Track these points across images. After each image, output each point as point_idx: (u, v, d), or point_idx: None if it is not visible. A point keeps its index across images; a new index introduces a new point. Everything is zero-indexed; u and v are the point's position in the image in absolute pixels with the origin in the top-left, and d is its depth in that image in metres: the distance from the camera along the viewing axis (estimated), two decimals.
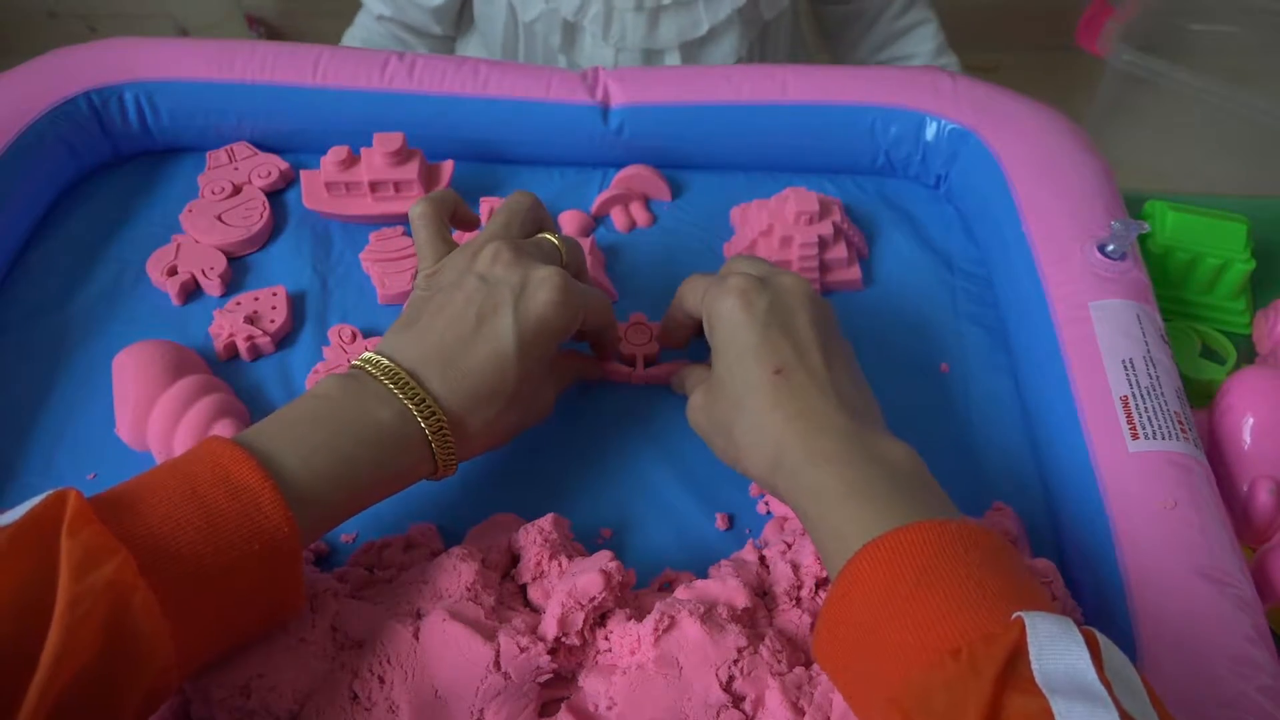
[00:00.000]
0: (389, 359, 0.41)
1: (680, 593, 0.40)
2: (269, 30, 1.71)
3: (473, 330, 0.42)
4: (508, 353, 0.42)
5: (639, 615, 0.39)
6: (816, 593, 0.41)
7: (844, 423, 0.40)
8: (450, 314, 0.42)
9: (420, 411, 0.40)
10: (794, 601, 0.41)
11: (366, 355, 0.42)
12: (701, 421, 0.45)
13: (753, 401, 0.41)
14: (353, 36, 0.89)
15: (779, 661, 0.38)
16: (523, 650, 0.37)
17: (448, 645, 0.38)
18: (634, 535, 0.47)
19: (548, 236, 0.47)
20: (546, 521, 0.43)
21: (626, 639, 0.38)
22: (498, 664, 0.37)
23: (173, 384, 0.48)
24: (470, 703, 0.37)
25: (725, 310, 0.43)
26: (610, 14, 0.77)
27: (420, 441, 0.40)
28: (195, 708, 0.38)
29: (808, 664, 0.39)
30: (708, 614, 0.38)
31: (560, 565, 0.42)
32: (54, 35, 1.70)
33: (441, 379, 0.41)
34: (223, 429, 0.47)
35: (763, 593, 0.42)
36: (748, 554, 0.44)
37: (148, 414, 0.47)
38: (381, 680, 0.38)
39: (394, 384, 0.40)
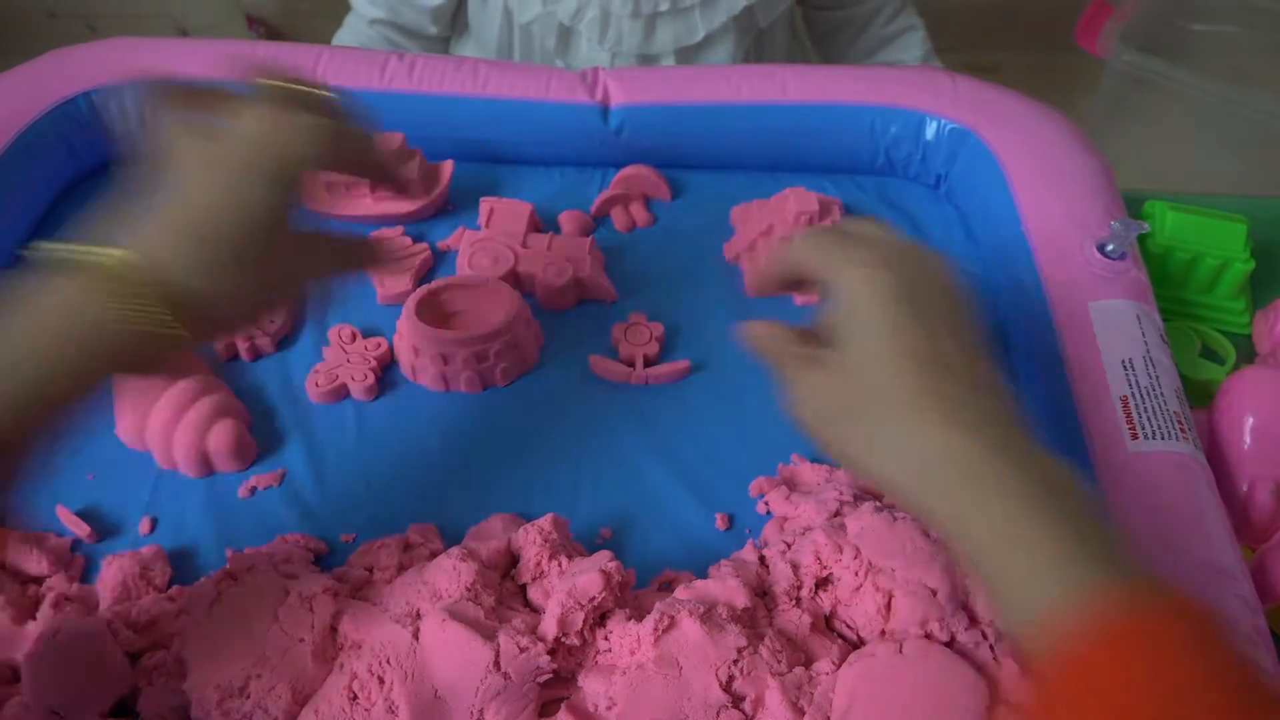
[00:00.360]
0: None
1: (680, 593, 0.40)
2: (269, 30, 1.71)
3: None
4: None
5: (639, 615, 0.39)
6: (816, 593, 0.41)
7: (1015, 440, 0.34)
8: None
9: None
10: (794, 601, 0.41)
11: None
12: (817, 411, 0.38)
13: (904, 402, 0.35)
14: (342, 40, 0.88)
15: (779, 661, 0.38)
16: (522, 650, 0.37)
17: (447, 646, 0.38)
18: (634, 535, 0.47)
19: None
20: (546, 522, 0.43)
21: (626, 639, 0.38)
22: (497, 664, 0.37)
23: (172, 384, 0.48)
24: (470, 703, 0.37)
25: (867, 288, 0.37)
26: (607, 19, 0.77)
27: None
28: (194, 710, 0.38)
29: (807, 664, 0.39)
30: (708, 614, 0.38)
31: (560, 565, 0.42)
32: (54, 35, 1.70)
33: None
34: (222, 429, 0.47)
35: (763, 593, 0.42)
36: (748, 554, 0.44)
37: (147, 414, 0.48)
38: (381, 681, 0.38)
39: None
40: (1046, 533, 0.32)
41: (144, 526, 0.46)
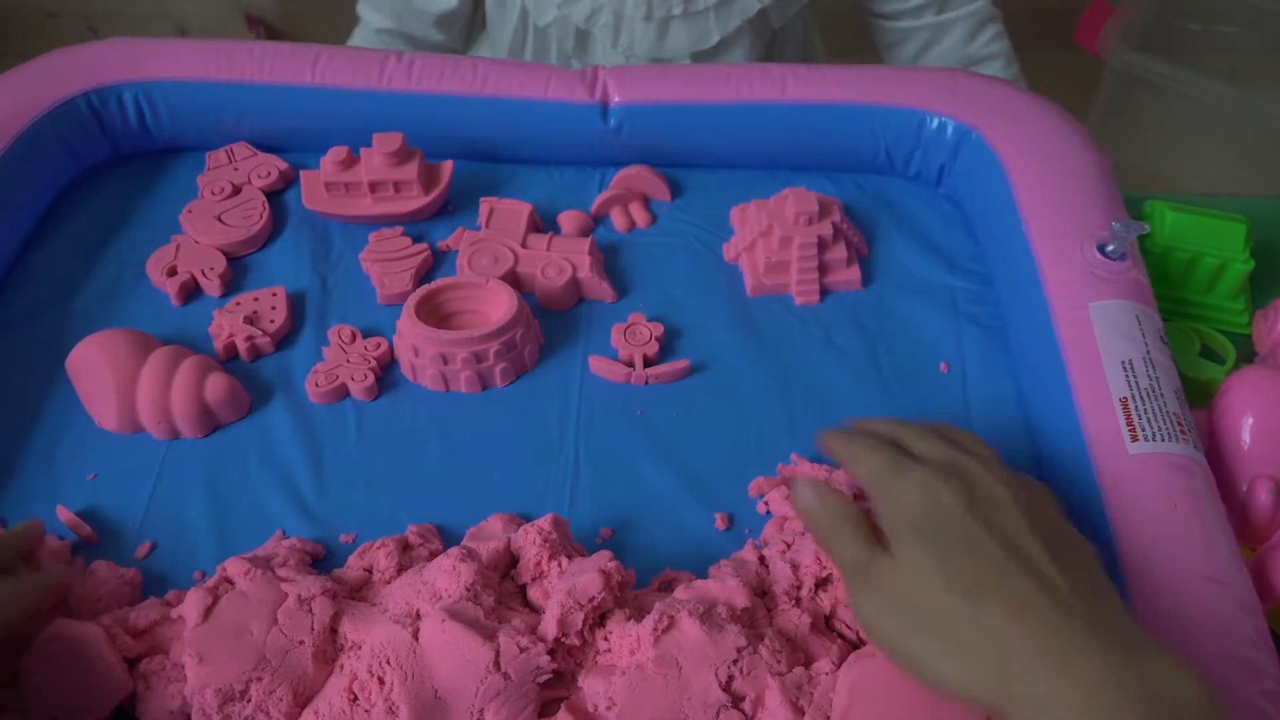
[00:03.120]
0: None
1: (680, 592, 0.40)
2: (269, 31, 1.71)
3: None
4: None
5: (638, 615, 0.39)
6: (816, 593, 0.41)
7: (1106, 642, 0.32)
8: None
9: None
10: (794, 601, 0.41)
11: None
12: (884, 615, 0.35)
13: (973, 601, 0.33)
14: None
15: (778, 661, 0.38)
16: (522, 650, 0.37)
17: (447, 646, 0.38)
18: (634, 535, 0.47)
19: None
20: (546, 522, 0.43)
21: (626, 639, 0.38)
22: (497, 664, 0.37)
23: (145, 358, 0.49)
24: (470, 703, 0.37)
25: (913, 498, 0.36)
26: (619, 23, 0.77)
27: None
28: (195, 715, 0.38)
29: (807, 664, 0.39)
30: (707, 614, 0.38)
31: (560, 565, 0.42)
32: (54, 35, 1.70)
33: None
34: (215, 380, 0.49)
35: (762, 593, 0.42)
36: (747, 554, 0.44)
37: (133, 392, 0.48)
38: (381, 681, 0.38)
39: None
40: None
41: (143, 527, 0.46)
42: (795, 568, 0.41)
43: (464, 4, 0.83)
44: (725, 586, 0.40)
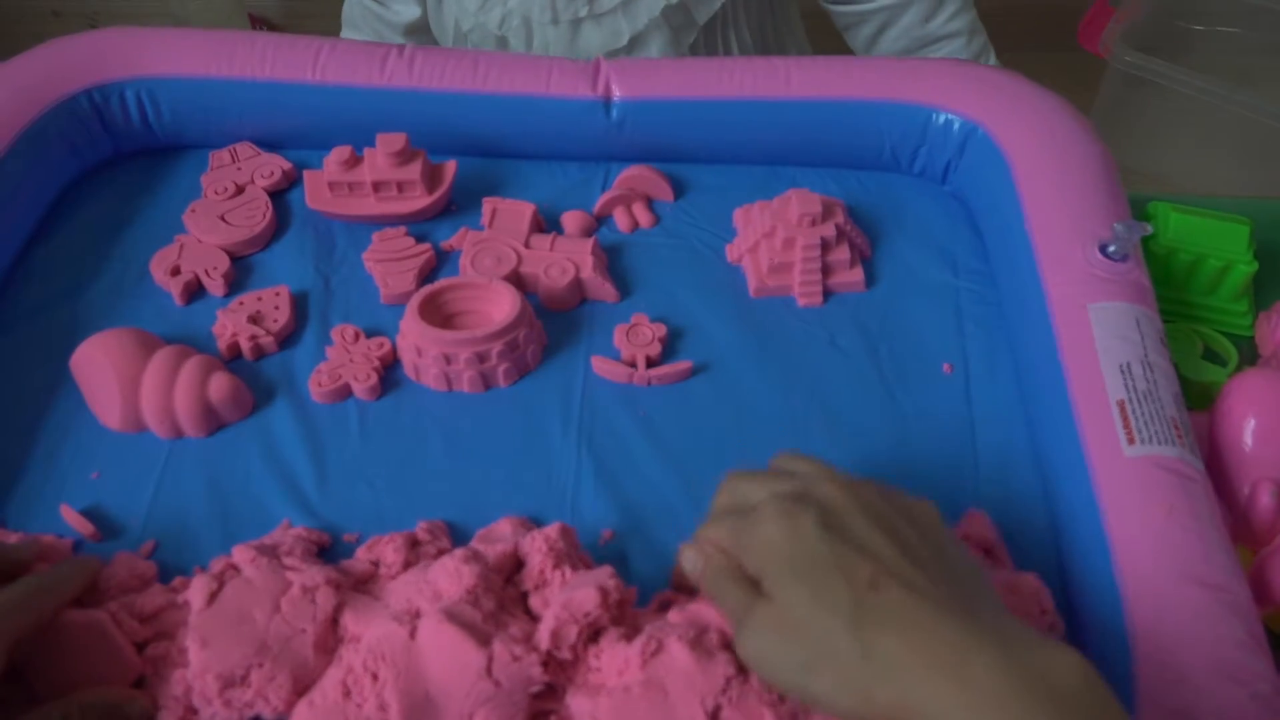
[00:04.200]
0: None
1: (672, 615, 0.39)
2: (271, 29, 1.71)
3: None
4: None
5: (634, 635, 0.38)
6: None
7: (985, 638, 0.32)
8: None
9: None
10: None
11: None
12: (768, 655, 0.35)
13: (847, 623, 0.33)
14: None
15: (770, 690, 0.37)
16: (515, 659, 0.37)
17: (442, 647, 0.37)
18: (635, 536, 0.47)
19: None
20: (553, 530, 0.43)
21: (615, 659, 0.38)
22: (490, 670, 0.37)
23: (149, 358, 0.49)
24: (460, 706, 0.37)
25: (772, 535, 0.36)
26: (529, 27, 0.77)
27: None
28: (195, 699, 0.38)
29: None
30: (697, 639, 0.37)
31: (563, 575, 0.41)
32: (59, 34, 1.70)
33: None
34: (219, 380, 0.49)
35: None
36: None
37: (137, 391, 0.48)
38: (374, 677, 0.37)
39: None
40: None
41: (147, 526, 0.46)
42: None
43: (424, 12, 0.86)
44: (719, 611, 0.39)
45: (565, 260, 0.55)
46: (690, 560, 0.39)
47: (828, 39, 0.95)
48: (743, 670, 0.37)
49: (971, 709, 0.31)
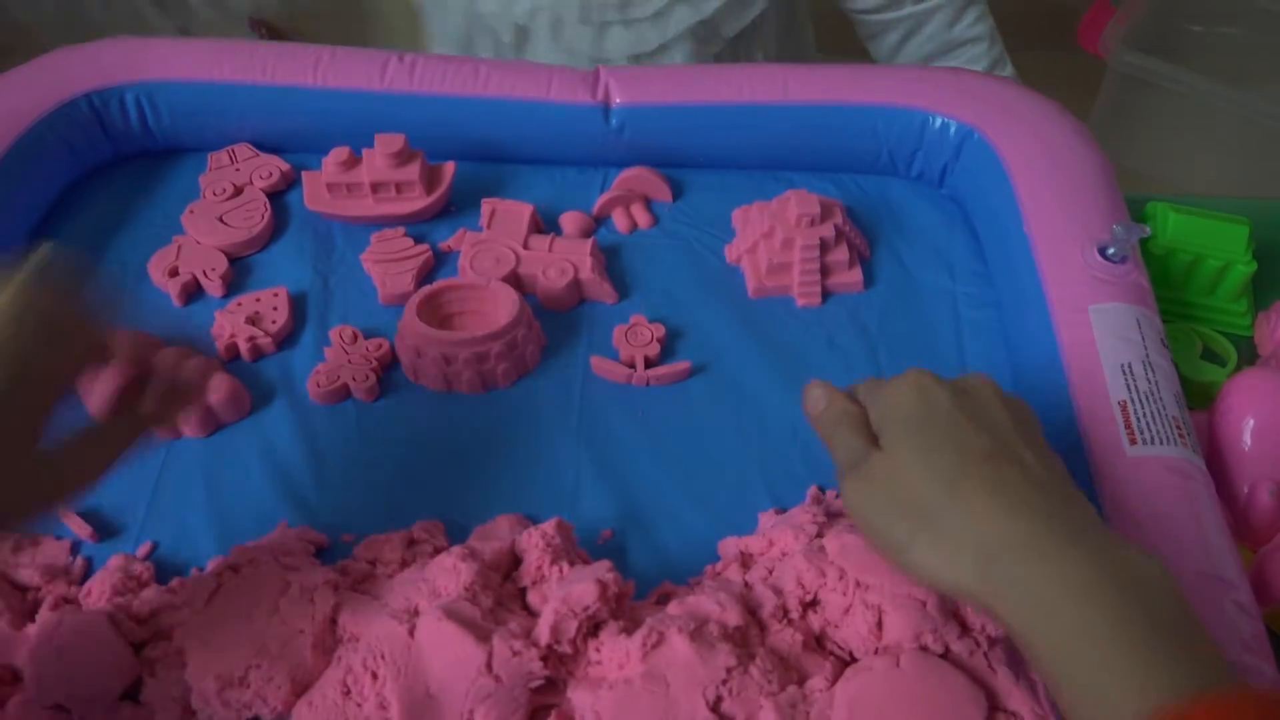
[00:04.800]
0: None
1: (672, 608, 0.39)
2: (271, 32, 1.71)
3: None
4: None
5: (634, 628, 0.38)
6: (805, 614, 0.40)
7: (1086, 526, 0.33)
8: None
9: None
10: (784, 621, 0.40)
11: None
12: (871, 506, 0.36)
13: (957, 489, 0.34)
14: None
15: (769, 681, 0.37)
16: (515, 654, 0.37)
17: (442, 645, 0.38)
18: (634, 536, 0.47)
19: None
20: (550, 526, 0.43)
21: (615, 652, 0.38)
22: (490, 666, 0.37)
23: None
24: (460, 703, 0.37)
25: (904, 397, 0.37)
26: (559, 24, 0.78)
27: None
28: (194, 700, 0.38)
29: (800, 682, 0.38)
30: (698, 631, 0.38)
31: (561, 571, 0.41)
32: (61, 40, 1.70)
33: None
34: (220, 381, 0.49)
35: (754, 610, 0.40)
36: (733, 574, 0.43)
37: None
38: (374, 676, 0.37)
39: None
40: (1126, 636, 0.30)
41: (144, 527, 0.46)
42: (779, 592, 0.40)
43: None
44: (719, 602, 0.39)
45: (564, 261, 0.55)
46: (814, 399, 0.40)
47: (834, 55, 0.95)
48: (742, 662, 0.37)
49: (1057, 583, 0.31)
